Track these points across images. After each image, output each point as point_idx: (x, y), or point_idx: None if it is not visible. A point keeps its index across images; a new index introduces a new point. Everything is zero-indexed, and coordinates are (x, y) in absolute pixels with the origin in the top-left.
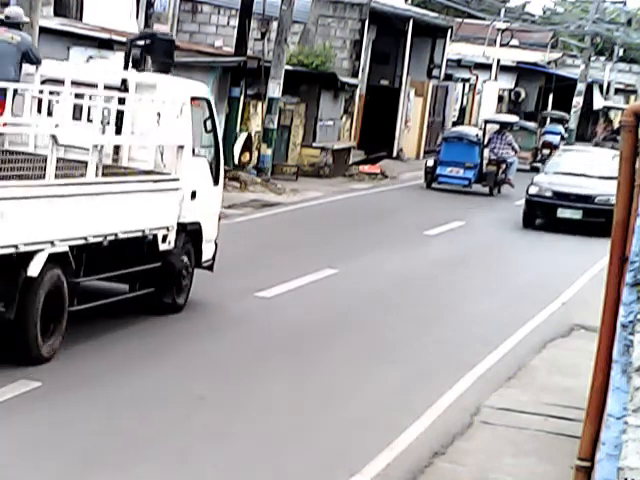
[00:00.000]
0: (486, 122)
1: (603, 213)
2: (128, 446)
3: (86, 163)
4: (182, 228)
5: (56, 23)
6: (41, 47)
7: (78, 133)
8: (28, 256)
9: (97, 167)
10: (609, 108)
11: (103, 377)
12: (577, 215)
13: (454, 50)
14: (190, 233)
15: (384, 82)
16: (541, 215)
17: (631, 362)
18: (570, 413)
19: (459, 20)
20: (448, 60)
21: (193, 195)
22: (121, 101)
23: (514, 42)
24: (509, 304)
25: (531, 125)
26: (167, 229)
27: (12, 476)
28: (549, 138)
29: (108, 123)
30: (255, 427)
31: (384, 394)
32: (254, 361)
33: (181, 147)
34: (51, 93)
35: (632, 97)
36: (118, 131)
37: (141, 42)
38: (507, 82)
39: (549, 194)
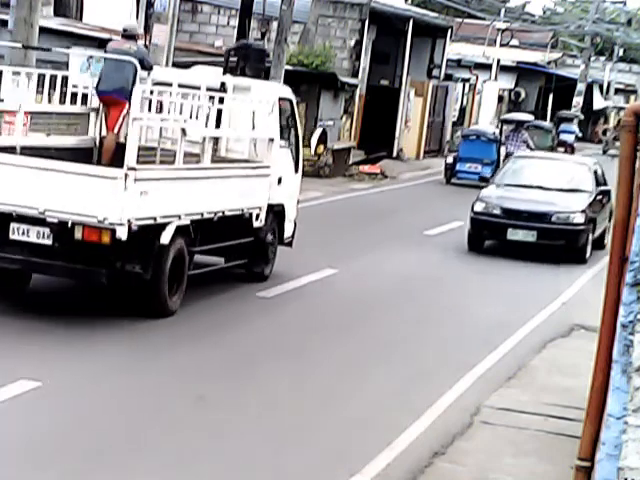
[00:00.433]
0: (503, 121)
1: (562, 234)
2: (128, 446)
3: (195, 153)
4: (270, 209)
5: (56, 23)
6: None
7: (194, 127)
8: (161, 227)
9: (209, 156)
10: (620, 108)
11: (103, 377)
12: (531, 237)
13: (454, 50)
14: (276, 213)
15: (384, 82)
16: (489, 236)
17: (631, 362)
18: (570, 413)
19: (459, 20)
20: (448, 60)
21: (279, 181)
22: (220, 101)
23: (514, 42)
24: (509, 304)
25: (547, 125)
26: (259, 209)
27: (12, 476)
28: (564, 137)
29: (207, 119)
30: (255, 427)
31: (384, 394)
32: (254, 361)
33: (271, 140)
34: (159, 94)
35: (632, 97)
36: (217, 127)
37: (238, 51)
38: (507, 82)
39: (497, 212)
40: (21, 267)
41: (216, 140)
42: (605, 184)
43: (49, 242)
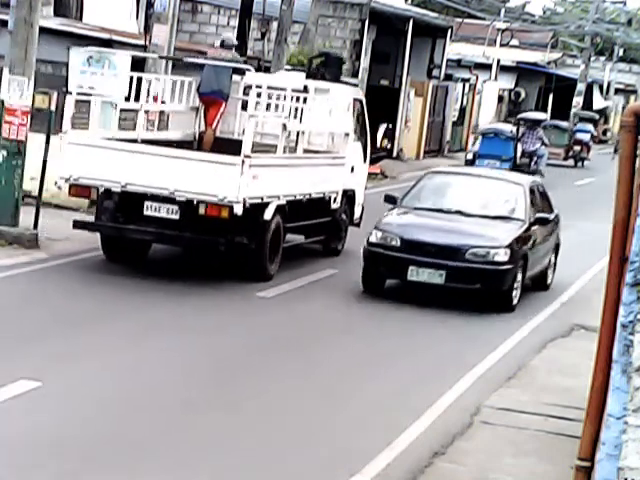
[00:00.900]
0: (519, 119)
1: (479, 275)
2: (128, 446)
3: (274, 145)
4: (344, 193)
5: (56, 23)
6: (41, 47)
7: (292, 123)
8: (264, 206)
9: (302, 146)
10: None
11: (103, 377)
12: (438, 278)
13: (454, 50)
14: (348, 197)
15: (384, 82)
16: (387, 275)
17: (631, 362)
18: (570, 413)
19: (459, 20)
20: (448, 60)
21: (352, 169)
22: (304, 101)
23: (514, 42)
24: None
25: (564, 124)
26: (336, 193)
27: (12, 476)
28: (580, 136)
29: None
30: (255, 427)
31: (384, 394)
32: (254, 361)
33: (347, 134)
34: (246, 94)
35: (632, 97)
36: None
37: (318, 59)
38: (507, 82)
39: (397, 243)
40: (153, 238)
41: (297, 135)
42: (549, 209)
43: (177, 217)
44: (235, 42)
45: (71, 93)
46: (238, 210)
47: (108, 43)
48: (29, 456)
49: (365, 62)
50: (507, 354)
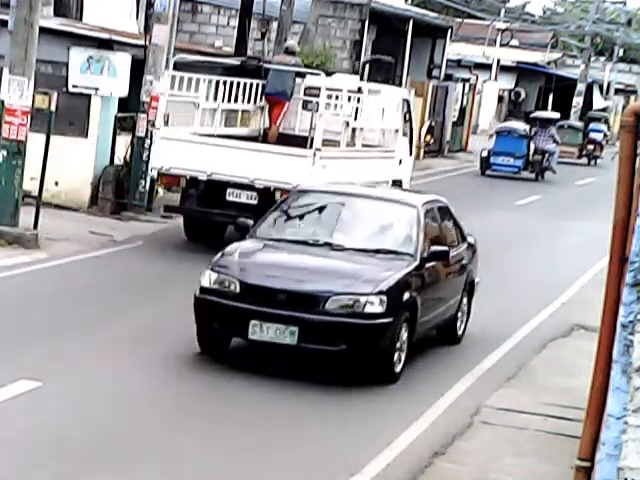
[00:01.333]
0: (532, 118)
1: (343, 333)
2: (128, 446)
3: (332, 140)
4: (393, 182)
5: (56, 23)
6: (41, 47)
7: (354, 120)
8: None
9: (360, 141)
10: None
11: (103, 377)
12: (288, 337)
13: (454, 50)
14: (397, 185)
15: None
16: (222, 332)
17: (631, 362)
18: (570, 413)
19: (459, 20)
20: (448, 60)
21: (400, 162)
22: (358, 101)
23: (514, 42)
24: (509, 304)
25: (577, 124)
26: (387, 182)
27: (12, 476)
28: (593, 135)
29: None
30: (255, 427)
31: (384, 394)
32: (254, 361)
33: (396, 130)
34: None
35: (632, 97)
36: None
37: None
38: (507, 82)
39: (235, 289)
40: (234, 221)
41: (352, 132)
42: (457, 237)
43: (255, 202)
44: (297, 48)
45: (164, 94)
46: None
47: (108, 43)
48: (29, 456)
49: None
50: (507, 354)
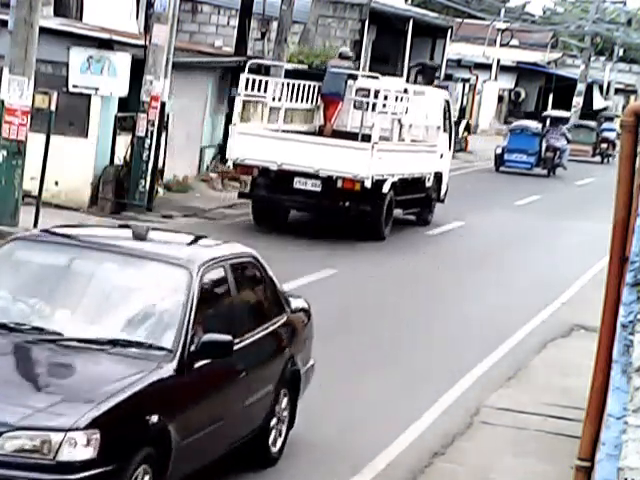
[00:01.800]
0: (545, 117)
1: None
2: None
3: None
4: (434, 175)
5: (56, 23)
6: (41, 47)
7: (406, 118)
8: (383, 182)
9: (409, 137)
10: None
11: None
12: None
13: (454, 50)
14: (437, 178)
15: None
16: None
17: (631, 362)
18: (570, 413)
19: (459, 20)
20: (448, 60)
21: (441, 156)
22: (406, 101)
23: (514, 42)
24: (509, 304)
25: (591, 123)
26: (430, 174)
27: None
28: (606, 134)
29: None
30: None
31: (384, 394)
32: None
33: (438, 127)
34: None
35: (632, 97)
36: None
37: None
38: (507, 82)
39: None
40: (300, 206)
41: (399, 129)
42: (276, 309)
43: (319, 189)
44: (351, 54)
45: (240, 94)
46: (367, 184)
47: (108, 43)
48: None
49: (365, 62)
50: (507, 354)
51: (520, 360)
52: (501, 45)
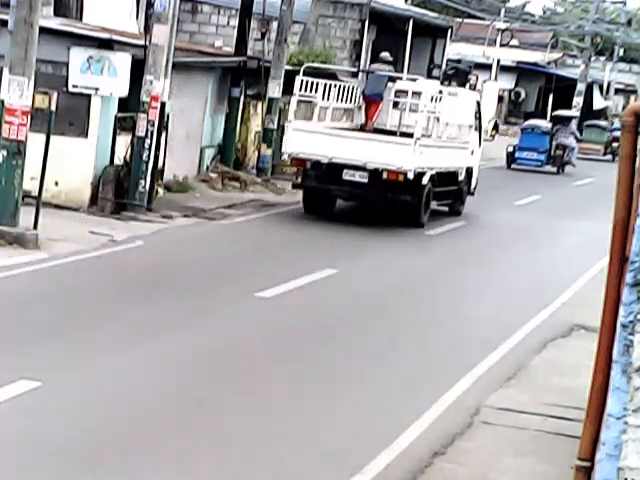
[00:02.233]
0: (554, 117)
1: None
2: (128, 446)
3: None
4: (465, 169)
5: (56, 23)
6: (41, 47)
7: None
8: (423, 174)
9: (446, 134)
10: None
11: (103, 377)
12: None
13: (454, 50)
14: (468, 173)
15: None
16: None
17: (631, 362)
18: (570, 413)
19: (459, 20)
20: (448, 60)
21: (472, 152)
22: (440, 101)
23: (514, 42)
24: (509, 303)
25: (603, 123)
26: (462, 169)
27: (12, 476)
28: (618, 134)
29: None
30: (255, 427)
31: (384, 394)
32: (253, 361)
33: (470, 126)
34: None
35: (632, 97)
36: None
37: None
38: (507, 82)
39: None
40: (348, 196)
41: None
42: None
43: (366, 181)
44: (390, 59)
45: (295, 94)
46: (410, 176)
47: (108, 43)
48: (29, 456)
49: (365, 62)
50: (507, 354)
51: (520, 360)
52: (501, 45)
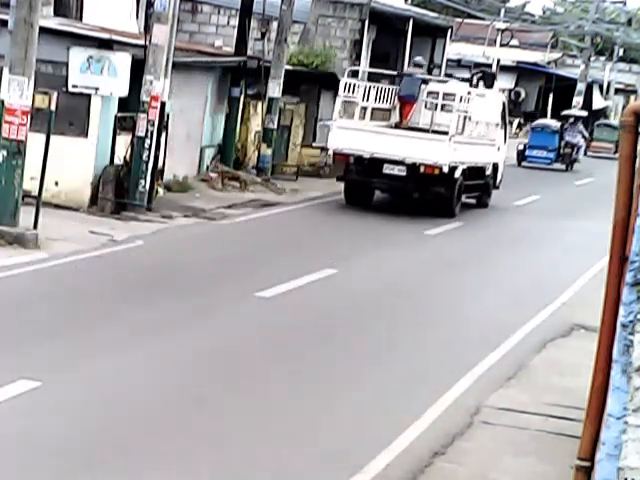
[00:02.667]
0: (563, 116)
1: None
2: (128, 446)
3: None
4: (492, 165)
5: (56, 23)
6: (41, 47)
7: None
8: (455, 168)
9: (476, 132)
10: None
11: (103, 377)
12: None
13: (454, 50)
14: (494, 168)
15: (384, 82)
16: None
17: (631, 362)
18: (570, 413)
19: (459, 20)
20: (448, 60)
21: (498, 149)
22: (469, 102)
23: (514, 42)
24: (509, 303)
25: (614, 122)
26: (489, 164)
27: (12, 476)
28: None
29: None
30: (255, 427)
31: (384, 394)
32: (253, 361)
33: (497, 124)
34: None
35: (632, 97)
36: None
37: (478, 73)
38: (507, 82)
39: None
40: (388, 188)
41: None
42: None
43: (404, 174)
44: (424, 62)
45: (340, 95)
46: (445, 170)
47: (108, 43)
48: (29, 456)
49: (365, 62)
50: (507, 354)
51: (520, 360)
52: (501, 45)
